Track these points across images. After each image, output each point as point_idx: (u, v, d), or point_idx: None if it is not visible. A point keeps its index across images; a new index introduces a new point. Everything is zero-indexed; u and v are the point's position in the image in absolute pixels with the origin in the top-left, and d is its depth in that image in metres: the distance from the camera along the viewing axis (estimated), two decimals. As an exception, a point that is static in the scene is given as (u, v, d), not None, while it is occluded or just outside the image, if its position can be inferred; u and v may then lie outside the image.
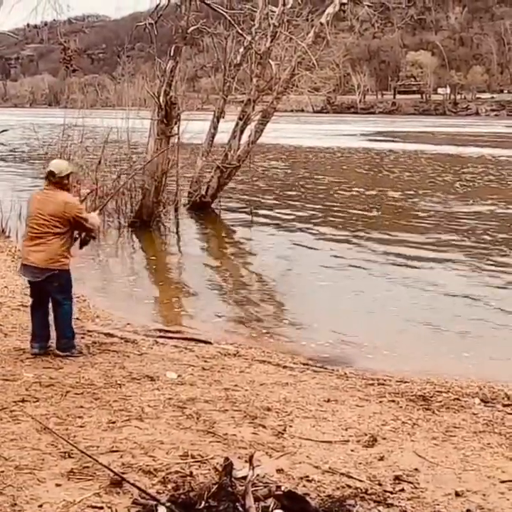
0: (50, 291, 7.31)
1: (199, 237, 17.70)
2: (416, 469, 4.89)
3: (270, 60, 19.03)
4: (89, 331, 8.44)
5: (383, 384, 7.08)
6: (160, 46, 19.45)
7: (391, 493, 4.51)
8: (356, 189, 25.61)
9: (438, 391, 6.78)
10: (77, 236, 7.52)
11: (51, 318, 7.47)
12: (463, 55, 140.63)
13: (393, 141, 54.43)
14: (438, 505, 4.39)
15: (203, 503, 3.98)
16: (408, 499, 4.44)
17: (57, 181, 7.28)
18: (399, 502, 4.39)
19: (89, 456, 4.75)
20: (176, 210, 19.10)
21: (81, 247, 7.77)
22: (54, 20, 17.73)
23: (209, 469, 4.70)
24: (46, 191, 7.36)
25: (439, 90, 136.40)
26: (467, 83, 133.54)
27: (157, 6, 17.07)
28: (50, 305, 7.44)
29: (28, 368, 6.90)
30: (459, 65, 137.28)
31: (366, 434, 5.49)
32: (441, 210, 20.63)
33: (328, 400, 6.36)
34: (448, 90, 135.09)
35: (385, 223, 18.45)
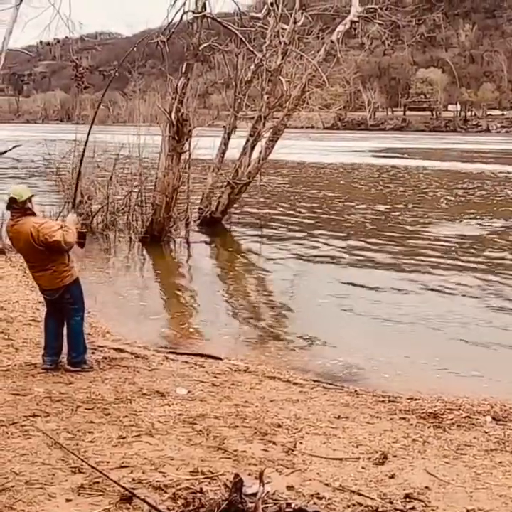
0: (63, 303, 7.40)
1: (209, 253, 17.73)
2: (427, 487, 4.86)
3: (281, 77, 19.13)
4: (99, 346, 8.46)
5: (394, 401, 7.05)
6: (171, 63, 19.58)
7: (402, 511, 4.48)
8: (348, 203, 26.06)
9: (449, 409, 6.74)
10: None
11: (64, 331, 7.52)
12: (473, 72, 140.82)
13: (399, 157, 54.56)
14: (449, 524, 4.37)
15: (213, 519, 3.97)
16: (419, 518, 4.42)
17: (20, 207, 7.09)
18: (410, 520, 4.37)
19: (100, 472, 4.75)
20: (187, 225, 19.17)
21: (82, 247, 7.83)
22: (66, 37, 17.87)
23: (219, 486, 4.68)
24: (13, 226, 7.17)
25: (450, 107, 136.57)
26: (478, 100, 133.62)
27: (169, 23, 17.21)
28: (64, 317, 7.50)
29: (38, 382, 6.92)
30: (470, 82, 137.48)
31: (377, 452, 5.47)
32: (422, 224, 21.00)
33: (339, 417, 6.34)
34: (458, 107, 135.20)
35: (381, 237, 18.76)
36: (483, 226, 20.74)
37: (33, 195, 7.31)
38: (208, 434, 5.68)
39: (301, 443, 5.63)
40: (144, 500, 4.31)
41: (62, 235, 7.04)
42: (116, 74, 9.94)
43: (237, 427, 5.92)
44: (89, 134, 8.80)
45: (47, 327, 7.57)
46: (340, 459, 5.33)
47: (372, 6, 20.08)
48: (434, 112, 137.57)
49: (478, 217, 22.57)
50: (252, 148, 19.69)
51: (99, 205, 18.31)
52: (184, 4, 16.94)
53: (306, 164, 44.67)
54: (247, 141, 19.62)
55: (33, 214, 7.26)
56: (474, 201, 27.23)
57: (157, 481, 4.72)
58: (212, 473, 4.91)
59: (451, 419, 6.41)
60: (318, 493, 4.66)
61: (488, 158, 53.28)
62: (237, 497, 4.06)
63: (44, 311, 7.80)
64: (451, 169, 43.06)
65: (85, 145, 9.32)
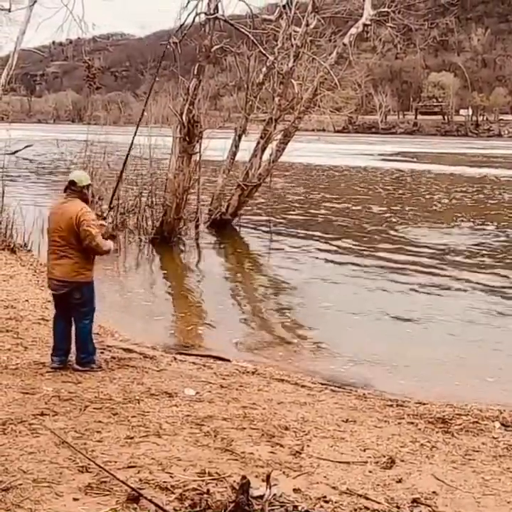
0: (72, 303, 7.38)
1: (219, 254, 17.75)
2: (434, 492, 4.84)
3: (292, 80, 19.13)
4: (108, 346, 8.48)
5: (402, 405, 7.03)
6: (183, 65, 19.61)
7: (409, 516, 4.46)
8: (345, 204, 26.43)
9: (457, 414, 6.72)
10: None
11: (72, 331, 7.53)
12: (485, 77, 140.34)
13: (407, 161, 54.57)
14: (456, 529, 4.35)
15: (220, 521, 3.97)
16: (426, 522, 4.40)
17: (77, 190, 7.29)
18: (417, 525, 4.35)
19: (107, 471, 4.76)
20: (197, 227, 19.20)
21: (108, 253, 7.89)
22: (79, 38, 17.97)
23: (226, 487, 4.68)
24: (63, 203, 7.33)
25: (461, 111, 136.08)
26: (490, 105, 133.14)
27: (181, 25, 17.25)
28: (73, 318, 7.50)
29: (47, 381, 6.94)
30: (482, 87, 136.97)
31: (384, 456, 5.45)
32: (413, 226, 21.34)
33: (347, 421, 6.33)
34: (470, 112, 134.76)
35: (380, 238, 19.02)
36: (474, 229, 21.00)
37: (91, 185, 7.61)
38: (215, 436, 5.68)
39: (308, 446, 5.62)
40: (151, 501, 4.31)
41: (97, 234, 7.14)
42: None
43: (245, 428, 5.91)
44: (134, 136, 8.81)
45: (55, 329, 7.56)
46: (348, 463, 5.32)
47: (385, 9, 20.05)
48: (445, 116, 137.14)
49: (470, 220, 22.85)
50: (263, 150, 19.70)
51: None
52: (196, 6, 17.01)
53: (311, 166, 44.80)
54: (258, 143, 19.63)
55: (87, 201, 7.43)
56: (468, 205, 27.57)
57: (164, 482, 4.73)
58: (220, 474, 4.91)
59: (460, 424, 6.39)
60: (325, 497, 4.65)
61: (496, 163, 53.22)
62: (243, 499, 4.07)
63: (53, 311, 7.81)
64: (455, 173, 43.26)
65: (129, 150, 9.28)
